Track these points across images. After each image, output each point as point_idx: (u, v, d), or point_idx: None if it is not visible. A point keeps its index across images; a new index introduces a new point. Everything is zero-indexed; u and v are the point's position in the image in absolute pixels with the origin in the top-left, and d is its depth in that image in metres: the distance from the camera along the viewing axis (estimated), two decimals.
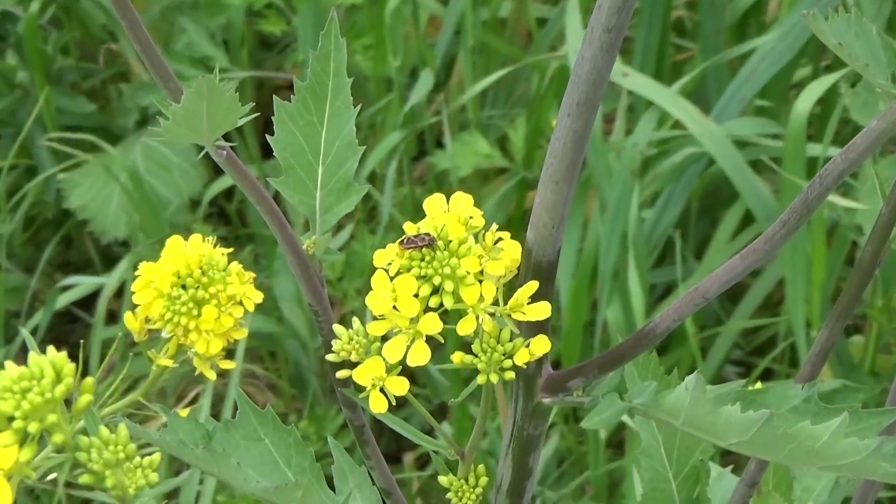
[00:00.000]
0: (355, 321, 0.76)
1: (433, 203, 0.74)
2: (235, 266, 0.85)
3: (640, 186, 2.02)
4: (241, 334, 0.85)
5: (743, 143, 2.15)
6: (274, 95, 0.81)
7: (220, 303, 0.83)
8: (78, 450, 0.71)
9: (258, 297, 0.85)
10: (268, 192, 0.77)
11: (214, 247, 0.84)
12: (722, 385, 0.74)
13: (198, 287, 0.83)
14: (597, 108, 0.67)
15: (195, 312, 0.83)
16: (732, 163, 1.99)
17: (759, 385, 0.77)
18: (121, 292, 2.29)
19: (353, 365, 0.75)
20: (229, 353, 0.84)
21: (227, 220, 2.60)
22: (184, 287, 0.84)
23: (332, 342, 0.76)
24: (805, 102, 1.92)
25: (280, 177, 0.79)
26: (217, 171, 2.51)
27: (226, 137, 0.73)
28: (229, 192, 2.55)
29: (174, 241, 0.85)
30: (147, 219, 2.38)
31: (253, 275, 0.85)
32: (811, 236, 1.90)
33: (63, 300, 2.26)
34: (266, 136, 0.79)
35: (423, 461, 2.21)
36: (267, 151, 2.24)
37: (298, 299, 2.23)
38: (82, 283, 2.29)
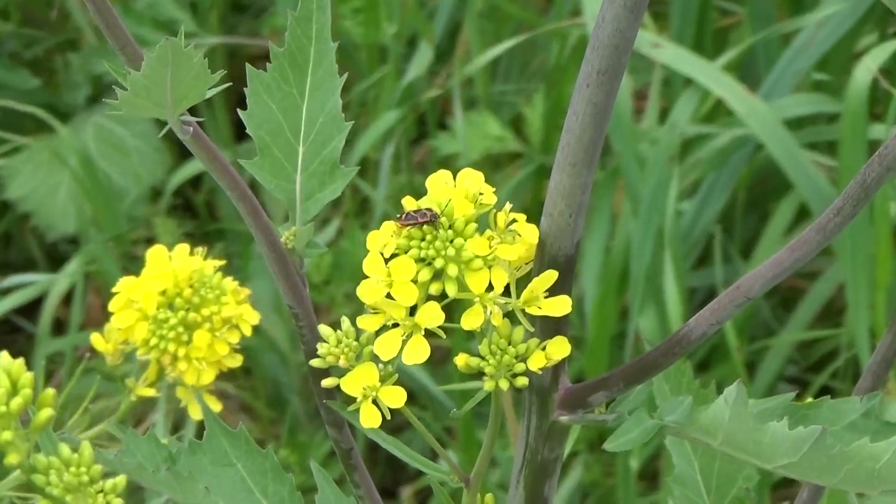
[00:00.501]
0: (344, 321, 0.77)
1: (437, 179, 0.75)
2: (230, 283, 0.86)
3: (678, 174, 2.02)
4: (236, 362, 0.86)
5: (798, 123, 2.15)
6: (248, 65, 0.81)
7: (213, 327, 0.85)
8: (34, 472, 0.71)
9: (255, 318, 0.86)
10: (241, 177, 0.78)
11: (205, 259, 0.86)
12: (768, 399, 0.74)
13: (188, 308, 0.85)
14: (620, 77, 0.68)
15: (185, 338, 0.84)
16: (783, 147, 1.99)
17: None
18: (69, 298, 2.30)
19: (341, 373, 0.76)
20: None
21: (195, 214, 2.61)
22: (171, 308, 0.85)
23: (318, 346, 0.76)
24: (865, 72, 1.92)
25: (254, 158, 0.79)
26: (182, 155, 2.52)
27: (193, 114, 0.74)
28: (196, 181, 2.56)
29: (158, 253, 0.86)
30: (100, 211, 2.39)
31: (248, 292, 0.87)
32: (875, 232, 1.90)
33: (1, 307, 2.27)
34: (239, 112, 0.79)
35: (423, 496, 2.22)
36: (241, 133, 2.25)
37: (277, 306, 2.23)
38: (24, 286, 2.30)
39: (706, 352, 2.16)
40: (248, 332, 0.86)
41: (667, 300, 1.97)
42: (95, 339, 0.88)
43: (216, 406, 0.86)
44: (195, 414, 0.86)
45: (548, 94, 2.30)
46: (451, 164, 2.28)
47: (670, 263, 1.98)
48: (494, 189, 0.74)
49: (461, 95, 2.37)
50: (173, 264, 0.86)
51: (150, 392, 0.88)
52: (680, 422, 0.73)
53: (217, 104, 2.51)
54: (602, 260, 2.08)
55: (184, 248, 0.87)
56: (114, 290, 0.87)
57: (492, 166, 2.36)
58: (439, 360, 2.16)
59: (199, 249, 0.86)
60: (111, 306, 0.87)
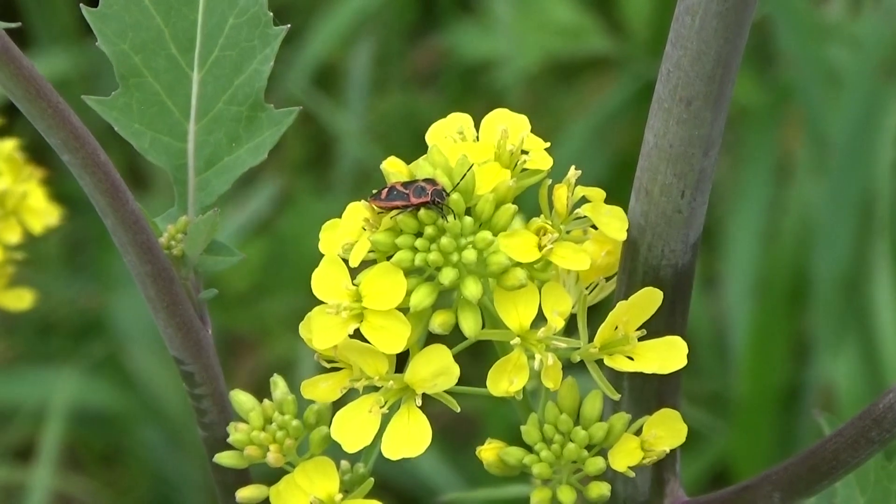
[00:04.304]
0: (278, 384, 0.55)
1: (444, 128, 0.54)
2: (6, 145, 0.72)
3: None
4: (21, 302, 0.71)
5: None
6: None
7: None
8: None
9: (51, 212, 0.72)
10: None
11: None
12: None
13: None
14: None
15: None
16: None
17: None
18: None
19: (271, 475, 0.54)
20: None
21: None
22: None
23: (231, 428, 0.54)
24: None
25: (113, 94, 0.56)
26: None
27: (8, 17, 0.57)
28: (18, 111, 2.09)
29: None
30: None
31: (39, 172, 0.70)
32: None
33: None
34: (84, 10, 0.60)
35: None
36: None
37: (163, 344, 1.59)
38: None
39: None
40: (35, 228, 0.69)
41: (880, 328, 1.43)
42: None
43: None
44: None
45: None
46: (483, 76, 1.73)
47: (888, 260, 1.46)
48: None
49: None
50: None
51: None
52: None
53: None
54: (760, 257, 1.54)
55: None
56: None
57: (558, 79, 1.79)
58: (464, 436, 1.67)
59: None
60: None
